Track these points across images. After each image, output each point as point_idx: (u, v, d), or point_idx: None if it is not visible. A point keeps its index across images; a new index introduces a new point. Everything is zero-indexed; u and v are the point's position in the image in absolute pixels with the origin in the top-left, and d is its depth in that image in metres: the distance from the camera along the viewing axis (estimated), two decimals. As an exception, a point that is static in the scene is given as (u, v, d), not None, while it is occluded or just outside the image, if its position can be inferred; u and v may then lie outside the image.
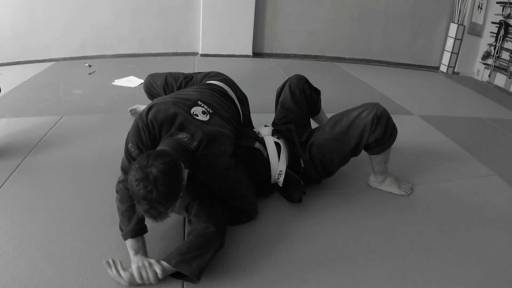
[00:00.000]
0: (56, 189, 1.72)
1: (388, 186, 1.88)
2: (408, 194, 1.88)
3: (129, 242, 1.32)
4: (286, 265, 1.38)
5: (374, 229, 1.62)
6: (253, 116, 2.08)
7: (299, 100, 1.91)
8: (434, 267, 1.43)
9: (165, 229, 1.52)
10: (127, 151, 1.43)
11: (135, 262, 1.26)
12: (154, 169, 1.15)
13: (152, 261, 1.25)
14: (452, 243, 1.57)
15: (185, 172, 1.26)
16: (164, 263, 1.24)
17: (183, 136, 1.36)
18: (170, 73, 2.20)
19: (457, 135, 2.70)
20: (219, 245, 1.33)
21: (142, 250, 1.31)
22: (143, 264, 1.24)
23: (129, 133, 1.44)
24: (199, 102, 1.54)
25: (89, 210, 1.59)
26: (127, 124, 2.21)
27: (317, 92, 2.00)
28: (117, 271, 1.23)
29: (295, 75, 1.98)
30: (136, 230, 1.33)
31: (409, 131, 2.66)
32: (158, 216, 1.17)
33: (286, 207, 1.71)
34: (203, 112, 1.50)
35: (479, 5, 4.51)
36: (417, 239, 1.58)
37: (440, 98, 3.85)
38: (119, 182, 1.46)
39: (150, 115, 1.40)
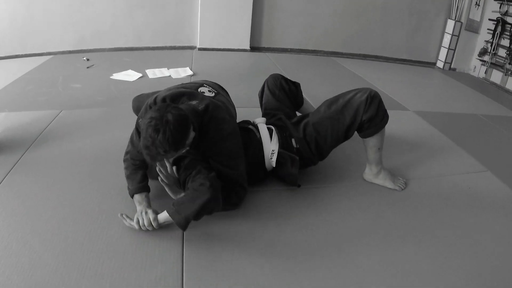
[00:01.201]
0: (57, 183, 1.74)
1: (383, 180, 1.92)
2: (402, 189, 1.91)
3: (135, 198, 1.54)
4: (280, 258, 1.42)
5: (367, 223, 1.66)
6: (249, 111, 2.11)
7: (280, 97, 2.01)
8: (426, 260, 1.47)
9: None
10: (137, 124, 1.57)
11: (137, 211, 1.48)
12: (170, 116, 1.30)
13: (149, 210, 1.46)
14: (444, 238, 1.61)
15: (192, 134, 1.39)
16: (164, 213, 1.43)
17: (192, 102, 1.53)
18: (154, 92, 2.25)
19: (451, 131, 2.73)
20: (210, 199, 1.38)
21: (145, 202, 1.51)
22: (141, 213, 1.45)
23: (142, 109, 1.60)
24: (204, 84, 1.75)
25: (91, 202, 1.62)
26: (126, 118, 2.25)
27: (295, 85, 2.09)
28: (129, 221, 1.45)
29: (270, 75, 2.09)
30: (138, 188, 1.55)
31: (404, 126, 2.70)
32: (155, 156, 1.32)
33: (282, 200, 1.75)
34: (209, 91, 1.71)
35: (476, 2, 4.53)
36: (410, 233, 1.62)
37: (436, 94, 3.88)
38: (126, 153, 1.65)
39: (161, 95, 1.56)
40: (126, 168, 1.62)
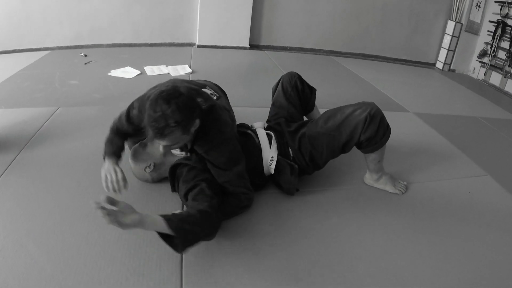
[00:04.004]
0: (54, 183, 1.72)
1: (383, 185, 1.90)
2: (403, 193, 1.90)
3: (107, 159, 1.56)
4: (280, 262, 1.40)
5: (367, 227, 1.65)
6: (248, 110, 2.07)
7: (291, 96, 1.94)
8: (426, 264, 1.46)
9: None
10: (131, 106, 1.60)
11: (105, 167, 1.51)
12: (184, 89, 1.32)
13: (118, 169, 1.49)
14: (444, 242, 1.60)
15: (197, 123, 1.38)
16: (159, 218, 1.18)
17: (198, 99, 1.48)
18: None
19: (451, 133, 2.73)
20: (212, 229, 1.33)
21: (114, 160, 1.55)
22: (108, 168, 1.49)
23: (140, 97, 1.57)
24: (207, 86, 1.71)
25: (87, 204, 1.56)
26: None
27: (311, 89, 2.03)
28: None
29: (288, 72, 2.02)
30: (113, 153, 1.58)
31: (404, 128, 2.69)
32: (163, 128, 1.25)
33: (281, 204, 1.73)
34: (212, 94, 1.66)
35: (477, 4, 4.52)
36: (410, 237, 1.61)
37: (436, 96, 3.88)
38: (114, 122, 1.67)
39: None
40: (109, 133, 1.66)
